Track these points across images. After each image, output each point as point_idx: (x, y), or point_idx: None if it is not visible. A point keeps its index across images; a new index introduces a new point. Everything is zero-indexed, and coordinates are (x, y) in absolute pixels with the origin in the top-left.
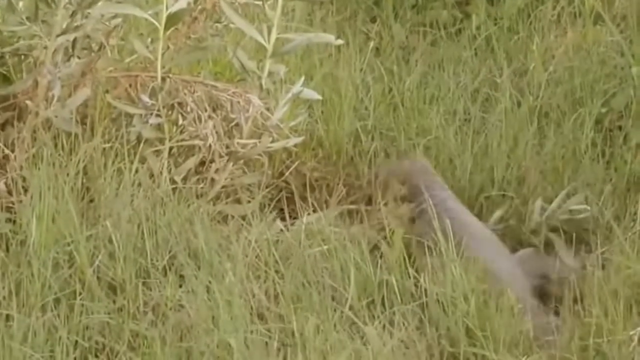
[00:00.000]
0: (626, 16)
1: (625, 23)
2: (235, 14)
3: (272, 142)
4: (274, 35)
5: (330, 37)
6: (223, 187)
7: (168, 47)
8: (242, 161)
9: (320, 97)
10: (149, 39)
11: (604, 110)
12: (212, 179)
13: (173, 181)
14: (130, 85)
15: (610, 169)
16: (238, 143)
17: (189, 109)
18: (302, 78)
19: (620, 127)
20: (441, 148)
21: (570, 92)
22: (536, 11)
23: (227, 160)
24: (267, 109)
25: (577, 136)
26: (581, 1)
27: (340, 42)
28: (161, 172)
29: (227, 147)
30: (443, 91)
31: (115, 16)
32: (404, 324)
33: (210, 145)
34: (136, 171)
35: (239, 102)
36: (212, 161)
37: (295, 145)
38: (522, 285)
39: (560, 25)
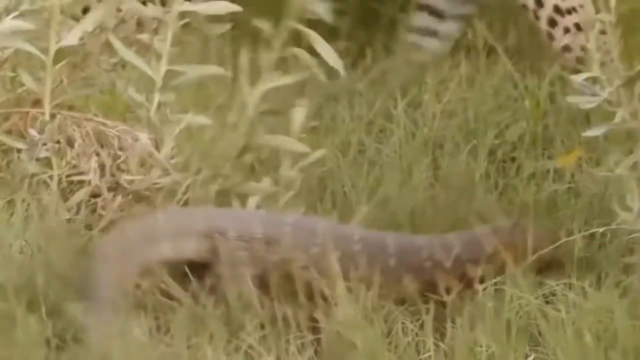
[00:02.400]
0: (519, 49)
1: (518, 55)
2: (124, 48)
3: (160, 177)
4: (163, 68)
5: (220, 70)
6: (112, 221)
7: (61, 81)
8: (129, 196)
9: (210, 122)
10: (42, 72)
11: (497, 141)
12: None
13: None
14: (20, 119)
15: (504, 200)
16: (125, 179)
17: (76, 145)
18: (190, 112)
19: (513, 159)
20: (336, 179)
21: (464, 123)
22: None
23: (114, 195)
24: (157, 143)
25: (471, 167)
26: (474, 33)
27: (229, 74)
28: (51, 206)
29: (116, 182)
30: (338, 122)
31: (6, 47)
32: (298, 354)
33: (97, 181)
34: (28, 203)
35: (127, 139)
36: (98, 195)
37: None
38: None
39: (454, 57)
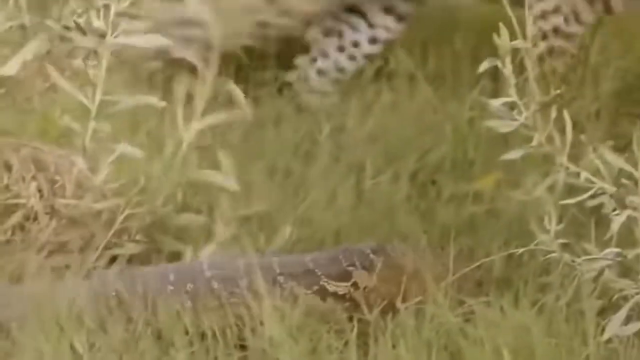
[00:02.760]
0: (439, 75)
1: (438, 82)
2: (60, 77)
3: (95, 201)
4: (98, 97)
5: (153, 99)
6: (47, 243)
7: None
8: (64, 220)
9: (141, 156)
10: None
11: (418, 165)
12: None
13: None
14: None
15: (425, 221)
16: (61, 203)
17: (14, 170)
18: (123, 142)
19: (434, 181)
20: (263, 201)
21: (386, 147)
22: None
23: (50, 219)
24: (92, 170)
25: (393, 190)
26: (396, 61)
27: (162, 104)
28: None
29: (52, 206)
30: (265, 146)
31: None
32: None
33: (34, 204)
34: None
35: (63, 164)
36: (35, 219)
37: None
38: None
39: (377, 84)
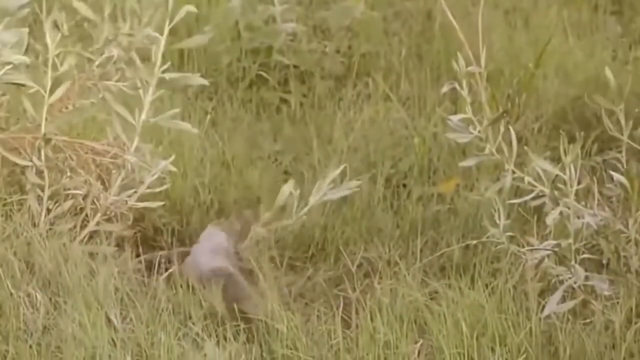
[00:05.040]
0: (409, 97)
1: (409, 103)
2: (113, 99)
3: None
4: (142, 117)
5: (187, 125)
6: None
7: (56, 110)
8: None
9: (174, 169)
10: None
11: (392, 171)
12: (83, 225)
13: (51, 222)
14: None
15: (397, 218)
16: (107, 198)
17: (66, 164)
18: (169, 159)
19: (404, 185)
20: (265, 202)
21: (366, 156)
22: (340, 93)
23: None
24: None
25: (372, 192)
26: (374, 85)
27: (188, 125)
28: (41, 213)
29: (98, 200)
30: (265, 154)
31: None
32: (234, 340)
33: (86, 197)
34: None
35: (112, 162)
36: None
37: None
38: None
39: (358, 103)
